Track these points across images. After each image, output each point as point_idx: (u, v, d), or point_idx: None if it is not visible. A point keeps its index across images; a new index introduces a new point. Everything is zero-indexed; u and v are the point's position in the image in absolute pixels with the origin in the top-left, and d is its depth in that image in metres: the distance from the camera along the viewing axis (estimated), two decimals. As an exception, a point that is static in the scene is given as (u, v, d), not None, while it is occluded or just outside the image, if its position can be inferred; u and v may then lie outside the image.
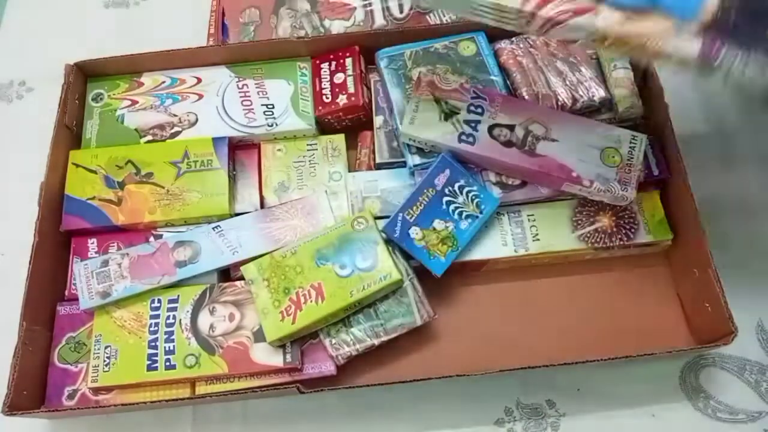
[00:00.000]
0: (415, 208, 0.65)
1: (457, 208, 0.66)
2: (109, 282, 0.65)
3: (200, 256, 0.66)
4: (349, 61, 0.74)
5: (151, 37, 0.84)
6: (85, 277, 0.65)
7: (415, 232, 0.65)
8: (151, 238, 0.69)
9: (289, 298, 0.62)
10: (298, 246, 0.64)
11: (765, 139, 0.76)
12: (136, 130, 0.74)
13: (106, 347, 0.63)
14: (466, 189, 0.67)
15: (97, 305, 0.64)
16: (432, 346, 0.67)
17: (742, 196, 0.74)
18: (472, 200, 0.66)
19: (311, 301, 0.62)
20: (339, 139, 0.74)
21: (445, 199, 0.66)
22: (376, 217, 0.68)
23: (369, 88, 0.75)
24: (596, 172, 0.65)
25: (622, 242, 0.67)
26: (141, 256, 0.66)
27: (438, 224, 0.65)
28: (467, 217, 0.66)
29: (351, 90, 0.73)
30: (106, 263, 0.66)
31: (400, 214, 0.65)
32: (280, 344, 0.62)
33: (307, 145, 0.73)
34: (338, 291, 0.62)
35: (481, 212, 0.66)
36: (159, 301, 0.65)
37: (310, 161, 0.72)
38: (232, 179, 0.71)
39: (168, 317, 0.64)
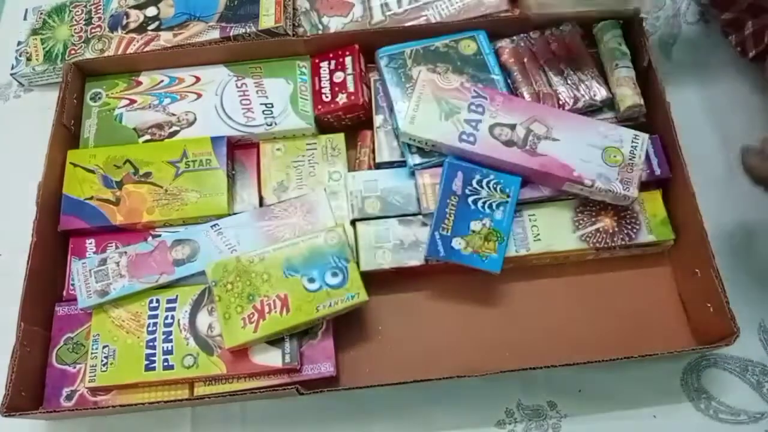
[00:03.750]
0: (447, 221, 0.65)
1: (485, 202, 0.65)
2: (107, 280, 0.65)
3: (198, 255, 0.66)
4: (348, 60, 0.74)
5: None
6: (83, 275, 0.65)
7: (458, 243, 0.64)
8: (149, 238, 0.68)
9: (252, 305, 0.61)
10: (267, 253, 0.63)
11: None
12: (134, 129, 0.74)
13: (104, 347, 0.63)
14: (485, 181, 0.66)
15: (95, 304, 0.64)
16: (432, 346, 0.67)
17: (743, 195, 0.73)
18: (495, 188, 0.66)
19: (275, 312, 0.61)
20: (339, 139, 0.73)
21: (470, 199, 0.66)
22: (376, 217, 0.68)
23: (369, 87, 0.74)
24: (598, 172, 0.65)
25: (623, 242, 0.67)
26: (139, 254, 0.66)
27: (475, 225, 0.65)
28: (498, 206, 0.65)
29: (351, 89, 0.72)
30: (104, 262, 0.65)
31: (436, 233, 0.64)
32: (238, 350, 0.62)
33: (307, 144, 0.73)
34: (304, 305, 0.61)
35: (508, 196, 0.66)
36: (157, 301, 0.65)
37: (309, 161, 0.72)
38: (231, 179, 0.71)
39: (166, 317, 0.64)
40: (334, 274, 0.63)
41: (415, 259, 0.66)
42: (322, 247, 0.63)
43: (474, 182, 0.66)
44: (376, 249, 0.66)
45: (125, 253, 0.66)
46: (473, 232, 0.65)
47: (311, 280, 0.62)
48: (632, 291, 0.68)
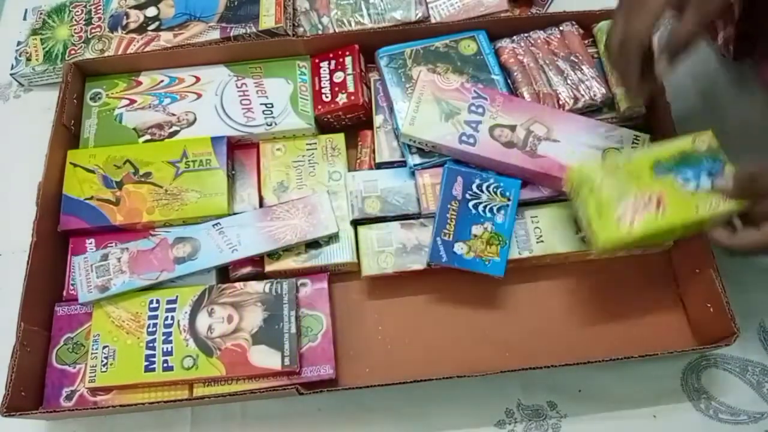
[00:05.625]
0: (448, 226, 0.64)
1: (486, 206, 0.65)
2: (108, 276, 0.65)
3: (199, 253, 0.66)
4: (348, 60, 0.74)
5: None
6: (85, 270, 0.65)
7: (460, 248, 0.64)
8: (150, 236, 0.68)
9: (624, 204, 0.55)
10: (632, 156, 0.58)
11: (766, 137, 0.76)
12: (134, 129, 0.74)
13: (104, 347, 0.63)
14: (485, 185, 0.66)
15: (95, 299, 0.64)
16: (432, 346, 0.67)
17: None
18: (495, 191, 0.66)
19: (650, 211, 0.55)
20: (339, 139, 0.73)
21: (471, 203, 0.66)
22: (377, 218, 0.68)
23: (369, 87, 0.74)
24: (598, 172, 0.65)
25: (623, 242, 0.67)
26: (140, 251, 0.66)
27: (477, 230, 0.65)
28: (500, 209, 0.65)
29: (351, 89, 0.72)
30: (105, 257, 0.66)
31: (438, 239, 0.64)
32: (607, 253, 0.57)
33: (307, 144, 0.73)
34: (682, 204, 0.54)
35: (509, 199, 0.66)
36: (157, 301, 0.65)
37: (309, 161, 0.72)
38: (231, 179, 0.71)
39: (166, 318, 0.64)
40: (710, 177, 0.56)
41: (418, 263, 0.66)
42: (691, 152, 0.57)
43: (474, 186, 0.66)
44: (379, 253, 0.66)
45: (126, 249, 0.66)
46: (475, 236, 0.65)
47: (686, 180, 0.56)
48: (632, 291, 0.68)
